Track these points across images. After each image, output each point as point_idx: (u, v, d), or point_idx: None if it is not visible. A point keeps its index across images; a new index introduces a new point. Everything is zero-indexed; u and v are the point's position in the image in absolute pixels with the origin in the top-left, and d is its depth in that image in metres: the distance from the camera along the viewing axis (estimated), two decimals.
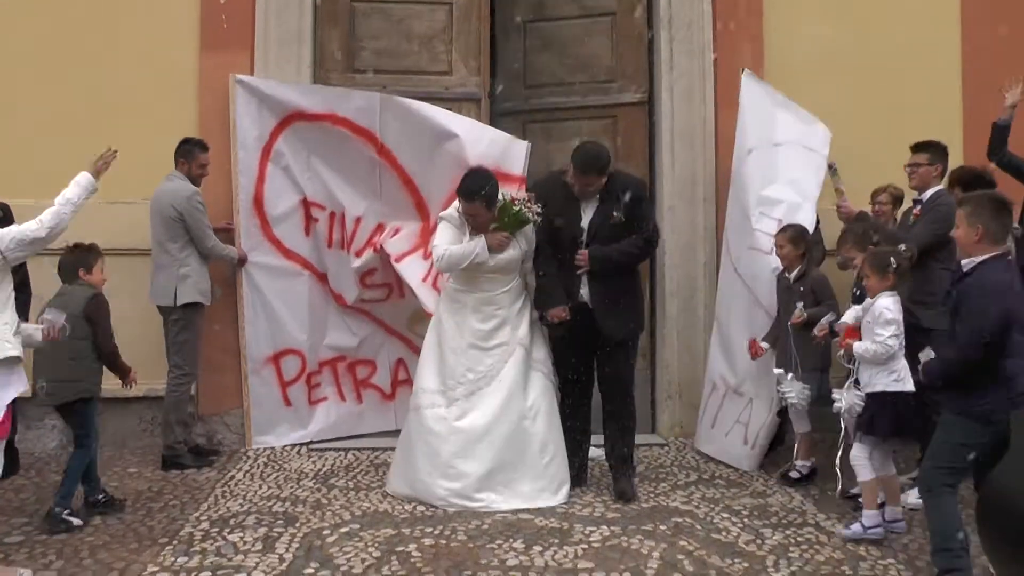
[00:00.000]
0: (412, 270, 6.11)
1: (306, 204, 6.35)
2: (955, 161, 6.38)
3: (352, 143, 6.20)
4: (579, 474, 5.52)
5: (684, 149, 6.76)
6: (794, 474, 5.63)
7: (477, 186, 5.20)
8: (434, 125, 6.03)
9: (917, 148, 5.53)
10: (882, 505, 4.85)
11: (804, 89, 6.58)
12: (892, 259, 4.77)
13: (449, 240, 5.24)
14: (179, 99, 6.48)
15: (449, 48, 6.89)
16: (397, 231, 6.26)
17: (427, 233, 6.17)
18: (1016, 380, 3.86)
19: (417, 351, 6.37)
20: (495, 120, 6.82)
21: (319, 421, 6.48)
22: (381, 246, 6.20)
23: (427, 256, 6.08)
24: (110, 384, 6.35)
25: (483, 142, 5.93)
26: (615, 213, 5.20)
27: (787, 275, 5.63)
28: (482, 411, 5.22)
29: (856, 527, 4.68)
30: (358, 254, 6.27)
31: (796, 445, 5.69)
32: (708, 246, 6.73)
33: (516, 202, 5.24)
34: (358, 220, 6.30)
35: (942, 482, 4.03)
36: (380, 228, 6.30)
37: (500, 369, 5.26)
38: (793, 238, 5.59)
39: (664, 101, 6.77)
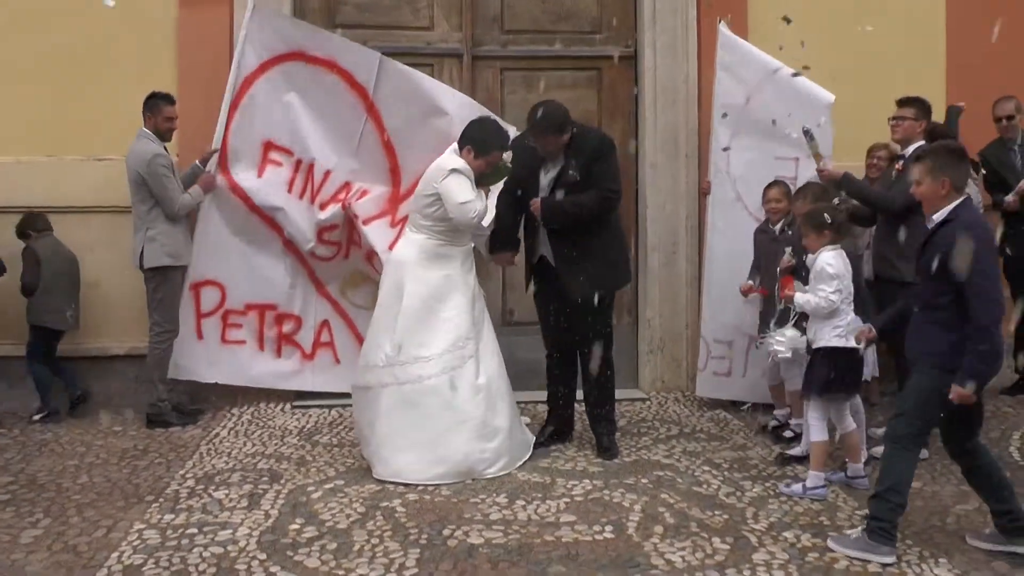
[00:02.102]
0: (378, 236, 6.03)
1: (267, 146, 6.17)
2: (938, 119, 6.42)
3: (343, 96, 6.10)
4: (564, 431, 5.58)
5: (666, 105, 6.73)
6: (788, 434, 5.58)
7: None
8: (428, 97, 6.00)
9: (903, 103, 5.54)
10: (844, 464, 4.95)
11: (788, 42, 6.55)
12: (826, 215, 4.76)
13: (473, 195, 5.07)
14: (157, 54, 6.38)
15: (431, 3, 6.80)
16: (364, 193, 6.15)
17: (396, 200, 6.15)
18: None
19: (345, 316, 6.38)
20: (471, 67, 6.79)
21: (230, 364, 6.26)
22: (349, 205, 6.11)
23: (394, 224, 6.07)
24: (94, 343, 6.41)
25: (469, 119, 5.87)
26: (570, 172, 5.14)
27: (771, 227, 5.64)
28: (489, 364, 5.14)
29: (796, 487, 4.71)
30: (323, 207, 6.15)
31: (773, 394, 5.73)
32: (690, 201, 6.73)
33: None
34: (327, 173, 6.17)
35: (913, 434, 4.01)
36: (347, 186, 6.18)
37: (483, 320, 5.25)
38: (787, 192, 5.63)
39: (647, 56, 6.73)
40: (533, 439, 5.41)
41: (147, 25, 6.40)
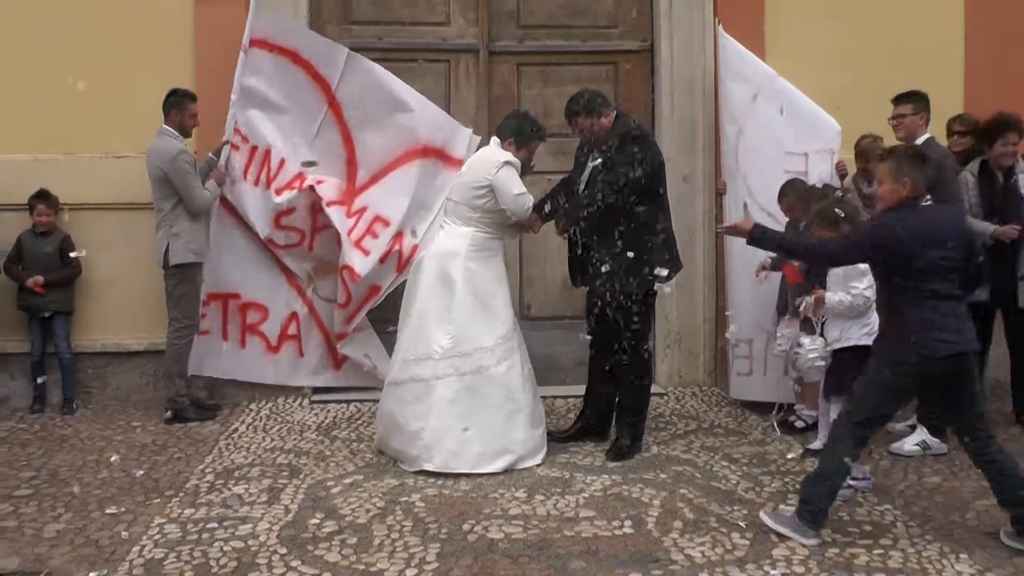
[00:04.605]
0: (340, 221, 6.02)
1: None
2: (956, 107, 6.38)
3: (304, 87, 6.09)
4: (600, 427, 5.50)
5: (683, 98, 6.71)
6: (799, 423, 5.62)
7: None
8: (393, 94, 6.03)
9: (899, 100, 5.50)
10: None
11: (803, 33, 6.55)
12: (837, 210, 4.69)
13: (523, 186, 5.15)
14: (175, 51, 6.39)
15: None
16: (319, 183, 6.11)
17: (351, 192, 6.14)
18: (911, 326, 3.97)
19: (312, 309, 6.33)
20: (488, 62, 6.79)
21: (195, 355, 6.15)
22: (310, 187, 6.06)
23: (350, 214, 6.05)
24: (111, 339, 6.45)
25: (433, 123, 6.02)
26: (598, 161, 5.16)
27: (797, 224, 5.59)
28: (526, 353, 5.22)
29: None
30: (279, 192, 6.09)
31: (800, 391, 5.69)
32: (707, 195, 6.71)
33: None
34: (283, 162, 6.14)
35: (855, 423, 4.09)
36: (301, 177, 6.13)
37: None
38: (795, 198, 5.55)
39: (664, 50, 6.71)
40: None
41: (164, 22, 6.42)
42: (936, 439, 5.30)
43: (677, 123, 6.72)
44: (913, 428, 5.46)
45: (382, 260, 5.88)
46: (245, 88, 6.05)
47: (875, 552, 3.97)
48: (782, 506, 4.37)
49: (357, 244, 5.97)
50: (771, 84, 6.11)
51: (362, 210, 6.06)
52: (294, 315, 6.36)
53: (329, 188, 6.12)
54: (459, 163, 5.86)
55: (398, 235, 5.94)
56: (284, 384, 6.40)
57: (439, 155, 5.98)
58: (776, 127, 6.07)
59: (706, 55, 6.69)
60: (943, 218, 4.12)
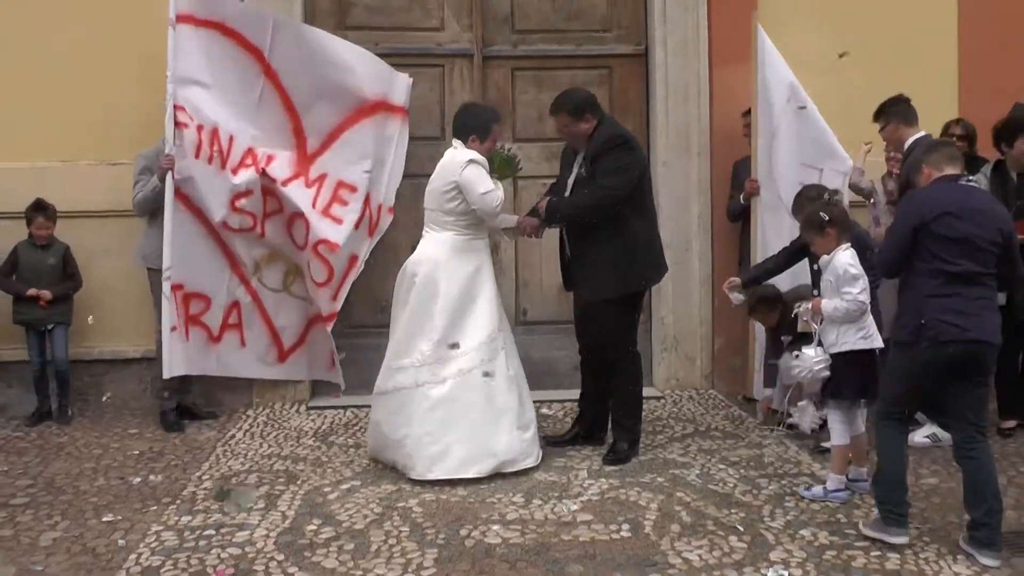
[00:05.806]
0: (299, 197, 5.90)
1: (174, 108, 5.85)
2: (952, 111, 6.40)
3: (236, 58, 5.91)
4: (596, 431, 5.49)
5: (678, 103, 6.71)
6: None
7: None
8: (329, 54, 5.95)
9: (874, 119, 5.51)
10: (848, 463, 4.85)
11: (797, 37, 6.55)
12: (822, 214, 4.61)
13: (492, 183, 5.07)
14: None
15: (441, 3, 6.80)
16: (270, 159, 5.94)
17: (304, 160, 6.01)
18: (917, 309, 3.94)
19: (256, 298, 6.13)
20: (482, 67, 6.80)
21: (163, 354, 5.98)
22: (264, 170, 5.88)
23: (309, 184, 5.95)
24: (108, 347, 6.44)
25: (376, 75, 6.03)
26: (580, 168, 5.17)
27: None
28: (514, 356, 5.17)
29: (817, 490, 4.65)
30: (234, 172, 5.87)
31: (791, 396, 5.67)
32: (702, 199, 6.72)
33: (503, 147, 5.36)
34: (231, 139, 5.92)
35: (884, 411, 4.11)
36: (251, 152, 5.93)
37: (503, 313, 5.23)
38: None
39: (658, 54, 6.72)
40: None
41: (161, 29, 6.37)
42: (947, 432, 5.30)
43: (672, 128, 6.72)
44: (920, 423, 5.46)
45: (356, 226, 5.86)
46: (179, 67, 5.81)
47: (872, 554, 3.97)
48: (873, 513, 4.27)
49: (325, 212, 5.89)
50: (796, 94, 6.08)
51: (322, 177, 5.98)
52: (236, 304, 6.11)
53: (280, 165, 5.94)
54: (402, 110, 5.99)
55: (367, 199, 5.92)
56: (225, 375, 6.21)
57: (385, 106, 6.02)
58: (796, 135, 6.03)
59: (700, 59, 6.70)
60: (982, 197, 4.12)
